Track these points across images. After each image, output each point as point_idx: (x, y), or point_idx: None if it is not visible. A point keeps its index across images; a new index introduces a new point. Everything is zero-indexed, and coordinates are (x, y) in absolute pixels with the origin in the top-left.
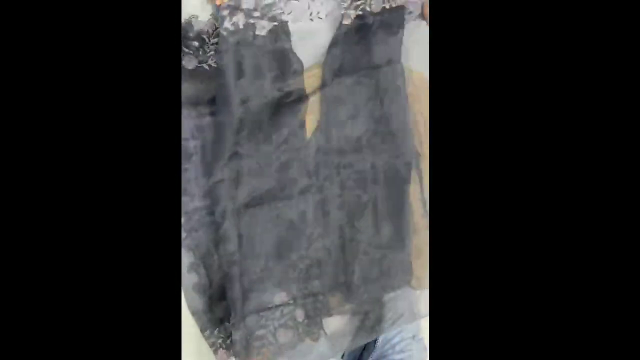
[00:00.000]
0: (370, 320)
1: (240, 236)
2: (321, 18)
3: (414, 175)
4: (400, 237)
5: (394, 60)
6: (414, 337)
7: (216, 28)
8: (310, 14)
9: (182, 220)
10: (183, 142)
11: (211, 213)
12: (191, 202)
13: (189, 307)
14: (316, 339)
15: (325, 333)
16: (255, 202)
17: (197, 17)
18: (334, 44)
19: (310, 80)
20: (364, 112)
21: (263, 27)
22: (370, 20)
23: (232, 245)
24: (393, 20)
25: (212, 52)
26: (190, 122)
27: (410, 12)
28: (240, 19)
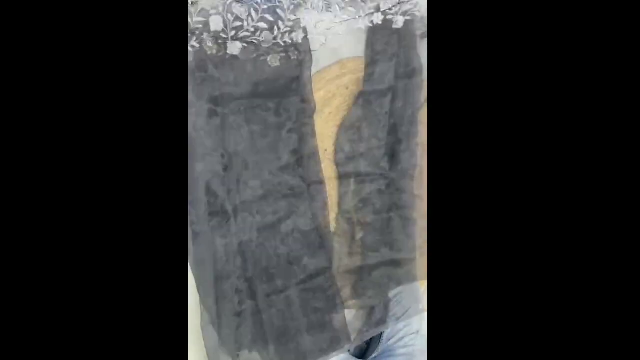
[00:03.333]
0: (376, 315)
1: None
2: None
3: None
4: (406, 237)
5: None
6: (418, 332)
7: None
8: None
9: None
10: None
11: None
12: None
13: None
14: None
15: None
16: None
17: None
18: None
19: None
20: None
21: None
22: None
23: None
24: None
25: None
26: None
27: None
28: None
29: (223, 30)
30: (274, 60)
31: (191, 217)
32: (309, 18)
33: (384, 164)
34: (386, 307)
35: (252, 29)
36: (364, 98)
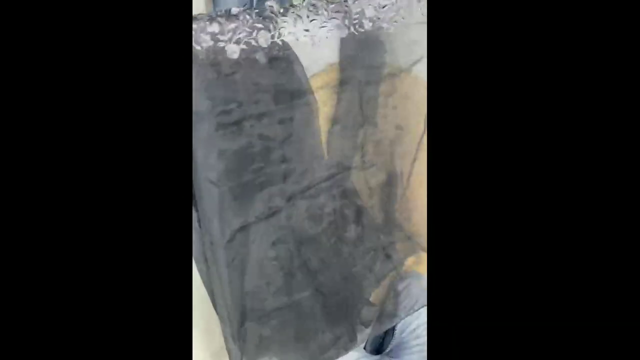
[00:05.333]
0: (388, 309)
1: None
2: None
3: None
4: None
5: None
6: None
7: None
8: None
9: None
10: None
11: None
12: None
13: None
14: None
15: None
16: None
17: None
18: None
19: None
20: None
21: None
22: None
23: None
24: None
25: None
26: None
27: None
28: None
29: (221, 33)
30: (262, 58)
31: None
32: (293, 22)
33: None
34: (396, 300)
35: (249, 29)
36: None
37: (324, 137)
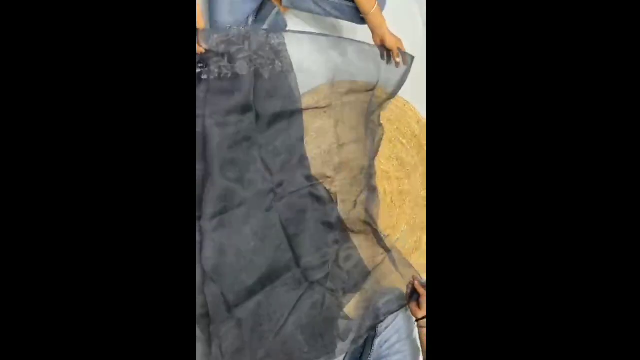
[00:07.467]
0: (366, 323)
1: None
2: None
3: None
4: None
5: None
6: (408, 337)
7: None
8: None
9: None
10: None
11: None
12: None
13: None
14: None
15: None
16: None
17: None
18: None
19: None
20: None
21: None
22: None
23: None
24: None
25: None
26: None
27: None
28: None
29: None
30: (242, 69)
31: None
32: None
33: None
34: (376, 315)
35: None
36: None
37: None
